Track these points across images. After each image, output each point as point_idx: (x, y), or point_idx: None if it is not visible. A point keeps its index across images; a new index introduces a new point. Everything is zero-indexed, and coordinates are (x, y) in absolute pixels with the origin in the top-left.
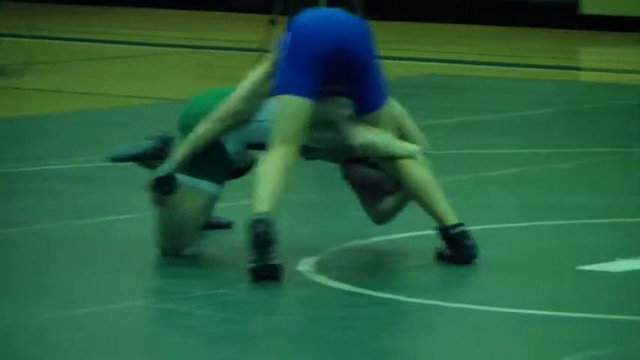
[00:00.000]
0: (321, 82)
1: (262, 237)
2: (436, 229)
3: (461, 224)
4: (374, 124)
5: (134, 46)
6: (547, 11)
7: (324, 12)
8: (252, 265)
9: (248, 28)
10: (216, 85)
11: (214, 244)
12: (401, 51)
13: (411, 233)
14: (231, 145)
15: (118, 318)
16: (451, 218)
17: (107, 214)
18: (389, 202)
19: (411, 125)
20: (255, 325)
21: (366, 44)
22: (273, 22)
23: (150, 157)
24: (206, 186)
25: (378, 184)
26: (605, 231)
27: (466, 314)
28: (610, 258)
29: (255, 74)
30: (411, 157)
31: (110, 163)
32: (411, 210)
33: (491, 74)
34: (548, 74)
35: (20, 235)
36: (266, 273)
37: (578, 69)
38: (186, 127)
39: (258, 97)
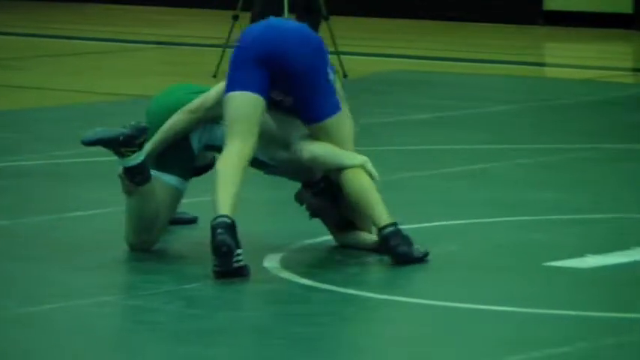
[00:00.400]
0: (269, 85)
1: (224, 245)
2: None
3: (390, 225)
4: (323, 135)
5: (101, 43)
6: (512, 7)
7: (273, 21)
8: (217, 269)
9: (212, 24)
10: (181, 81)
11: (180, 239)
12: (367, 47)
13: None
14: (195, 142)
15: (84, 314)
16: (382, 220)
17: (75, 209)
18: (350, 238)
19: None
20: (221, 320)
21: (308, 56)
22: (236, 18)
23: (121, 144)
24: (173, 180)
25: (320, 212)
26: (573, 227)
27: (430, 310)
28: (578, 254)
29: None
30: (359, 166)
31: (78, 159)
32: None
33: (457, 70)
34: (514, 70)
35: (25, 226)
36: (231, 275)
37: (543, 65)
38: (151, 123)
39: None
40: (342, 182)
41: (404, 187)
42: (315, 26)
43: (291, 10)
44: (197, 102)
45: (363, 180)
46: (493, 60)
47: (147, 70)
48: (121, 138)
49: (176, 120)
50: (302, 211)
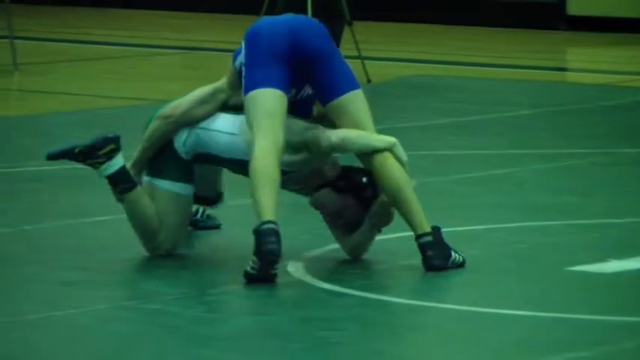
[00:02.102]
0: (288, 79)
1: (273, 255)
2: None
3: (427, 234)
4: (342, 113)
5: (123, 48)
6: (534, 12)
7: (274, 17)
8: (252, 272)
9: (234, 29)
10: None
11: (203, 245)
12: (390, 52)
13: (400, 234)
14: (180, 146)
15: (104, 318)
16: (419, 228)
17: (94, 214)
18: (356, 237)
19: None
20: (243, 325)
21: (319, 36)
22: None
23: (79, 155)
24: (167, 185)
25: (343, 210)
26: (593, 232)
27: (454, 315)
28: (601, 259)
29: (213, 84)
30: (388, 148)
31: None
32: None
33: (479, 75)
34: (535, 75)
35: (5, 236)
36: (261, 280)
37: (565, 70)
38: None
39: (210, 104)
40: (378, 171)
41: (425, 192)
42: (338, 32)
43: (314, 16)
44: (170, 107)
45: (397, 177)
46: (515, 65)
47: (169, 75)
48: (76, 150)
49: (153, 127)
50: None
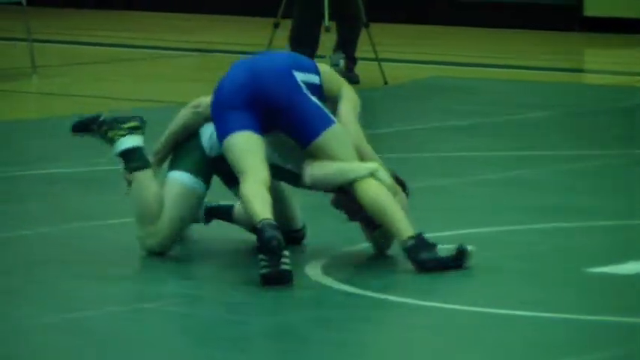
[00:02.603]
0: (259, 124)
1: (274, 239)
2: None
3: (410, 238)
4: (322, 152)
5: (136, 50)
6: (550, 14)
7: (243, 63)
8: (264, 271)
9: (250, 32)
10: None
11: (219, 244)
12: (407, 54)
13: None
14: (206, 141)
15: (123, 320)
16: (402, 235)
17: (111, 216)
18: (376, 235)
19: (366, 149)
20: (261, 326)
21: (286, 89)
22: (277, 26)
23: (102, 124)
24: (182, 176)
25: (360, 210)
26: (611, 233)
27: (471, 316)
28: (619, 260)
29: None
30: (369, 175)
31: (113, 167)
32: (417, 212)
33: (494, 77)
34: (552, 76)
35: (22, 239)
36: (278, 279)
37: (581, 71)
38: None
39: None
40: (356, 196)
41: (441, 194)
42: (355, 33)
43: (331, 18)
44: (200, 98)
45: (373, 193)
46: (531, 66)
47: (184, 77)
48: (102, 118)
49: (181, 115)
50: (342, 218)
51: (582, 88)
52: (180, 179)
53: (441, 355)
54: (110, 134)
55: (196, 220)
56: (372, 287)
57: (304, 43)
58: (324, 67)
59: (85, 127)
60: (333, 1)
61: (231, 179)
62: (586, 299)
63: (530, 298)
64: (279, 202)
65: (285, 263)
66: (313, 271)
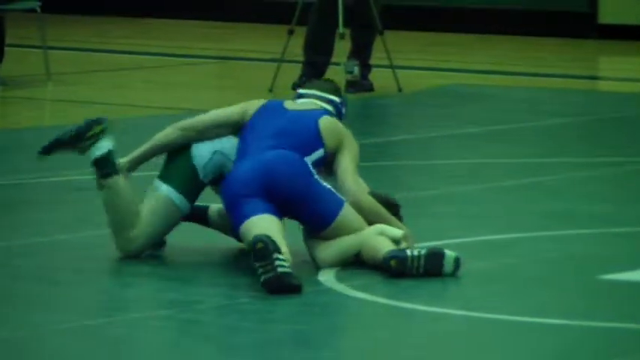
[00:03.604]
0: (276, 210)
1: (257, 244)
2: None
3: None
4: (337, 232)
5: (157, 57)
6: (565, 21)
7: (253, 155)
8: (262, 278)
9: (266, 39)
10: (235, 95)
11: (232, 252)
12: (421, 61)
13: (430, 243)
14: (199, 163)
15: (139, 327)
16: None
17: None
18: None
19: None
20: (274, 333)
21: (299, 179)
22: (291, 32)
23: (70, 140)
24: (171, 194)
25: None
26: (627, 240)
27: (483, 323)
28: (633, 267)
29: (231, 108)
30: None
31: (134, 174)
32: (434, 220)
33: (510, 83)
34: (568, 83)
35: (34, 246)
36: (278, 283)
37: (597, 78)
38: None
39: (224, 128)
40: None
41: (457, 200)
42: (369, 41)
43: (345, 25)
44: (189, 121)
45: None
46: (547, 74)
47: (203, 84)
48: (68, 135)
49: (165, 132)
50: None
51: (598, 96)
52: (169, 195)
53: None
54: (80, 146)
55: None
56: (386, 294)
57: (319, 50)
58: (324, 122)
59: (53, 148)
60: (348, 8)
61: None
62: (600, 306)
63: (545, 305)
64: None
65: (281, 266)
66: (326, 278)
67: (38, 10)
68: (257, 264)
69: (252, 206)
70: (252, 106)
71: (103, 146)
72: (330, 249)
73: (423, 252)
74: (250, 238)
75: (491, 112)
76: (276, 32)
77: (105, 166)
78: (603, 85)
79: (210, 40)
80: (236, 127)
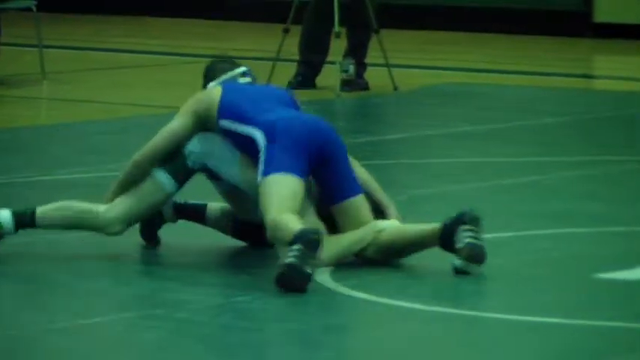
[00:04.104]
0: (307, 171)
1: (315, 242)
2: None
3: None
4: (352, 210)
5: (154, 56)
6: (560, 19)
7: (303, 115)
8: (290, 260)
9: (262, 37)
10: None
11: (224, 250)
12: (417, 60)
13: None
14: (187, 151)
15: (133, 327)
16: (435, 225)
17: None
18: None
19: (378, 191)
20: (270, 333)
21: (338, 140)
22: (287, 31)
23: None
24: (157, 173)
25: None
26: (622, 239)
27: (480, 322)
28: (628, 266)
29: (179, 122)
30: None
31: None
32: (430, 218)
33: (505, 82)
34: (563, 82)
35: (35, 244)
36: (297, 276)
37: (592, 77)
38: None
39: (186, 139)
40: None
41: (452, 199)
42: (365, 40)
43: (341, 24)
44: (146, 155)
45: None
46: (542, 72)
47: (200, 83)
48: None
49: (127, 175)
50: None
51: (594, 94)
52: (154, 174)
53: None
54: None
55: (165, 220)
56: (382, 293)
57: (314, 49)
58: (290, 92)
59: None
60: (344, 7)
61: (213, 176)
62: (597, 305)
63: (542, 304)
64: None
65: (312, 265)
66: (322, 277)
67: (34, 8)
68: (299, 246)
69: (293, 159)
70: (209, 97)
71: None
72: (328, 248)
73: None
74: (273, 196)
75: (486, 110)
76: (272, 31)
77: (21, 226)
78: (599, 84)
79: (207, 39)
80: (200, 129)
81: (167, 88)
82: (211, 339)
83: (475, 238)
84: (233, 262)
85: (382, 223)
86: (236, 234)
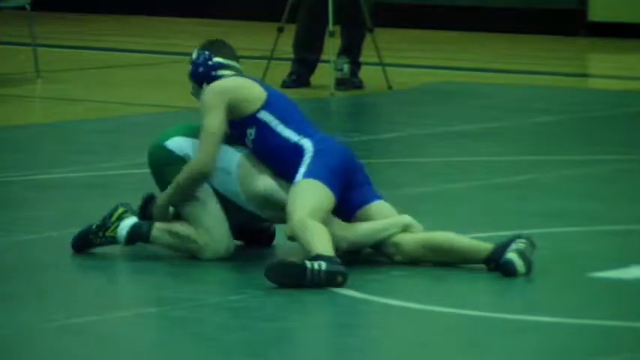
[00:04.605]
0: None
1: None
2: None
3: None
4: (376, 214)
5: (147, 55)
6: (555, 18)
7: (336, 147)
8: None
9: (256, 36)
10: None
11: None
12: (411, 59)
13: None
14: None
15: (129, 325)
16: (486, 246)
17: None
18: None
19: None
20: (267, 331)
21: (361, 165)
22: (281, 30)
23: (97, 230)
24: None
25: None
26: (617, 238)
27: (478, 321)
28: (623, 265)
29: (216, 124)
30: (405, 229)
31: (123, 171)
32: (423, 217)
33: (501, 81)
34: (557, 81)
35: (28, 243)
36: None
37: (587, 76)
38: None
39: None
40: (397, 252)
41: (448, 198)
42: (360, 38)
43: (335, 23)
44: (210, 163)
45: (437, 234)
46: (537, 71)
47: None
48: (93, 226)
49: (192, 186)
50: None
51: (588, 93)
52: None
53: (451, 359)
54: (109, 234)
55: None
56: (378, 292)
57: (309, 48)
58: None
59: (84, 242)
60: (338, 5)
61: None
62: (591, 304)
63: (536, 303)
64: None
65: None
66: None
67: (28, 7)
68: (321, 268)
69: (335, 178)
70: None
71: (127, 224)
72: (352, 230)
73: None
74: (311, 198)
75: (481, 109)
76: (266, 30)
77: (137, 239)
78: (593, 83)
79: (201, 38)
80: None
81: (160, 86)
82: (207, 337)
83: (520, 255)
84: (229, 260)
85: (408, 218)
86: (232, 234)
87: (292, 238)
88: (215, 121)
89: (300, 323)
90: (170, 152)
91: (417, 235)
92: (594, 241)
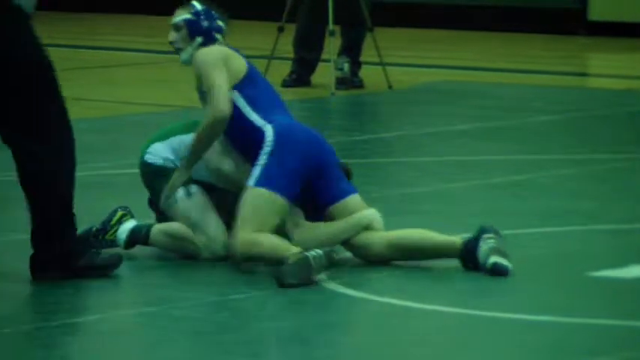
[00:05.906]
0: (297, 194)
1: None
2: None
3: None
4: (347, 210)
5: (145, 54)
6: (555, 17)
7: (308, 130)
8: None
9: (255, 35)
10: None
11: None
12: (411, 58)
13: None
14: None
15: (129, 324)
16: (457, 240)
17: None
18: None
19: None
20: (267, 331)
21: (331, 149)
22: (281, 30)
23: (97, 233)
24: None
25: None
26: (615, 237)
27: (472, 320)
28: (620, 264)
29: (221, 78)
30: (367, 228)
31: (121, 170)
32: (423, 216)
33: (500, 80)
34: (557, 80)
35: (24, 244)
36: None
37: (586, 75)
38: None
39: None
40: (364, 255)
41: (446, 198)
42: (359, 38)
43: (335, 22)
44: (227, 109)
45: (407, 232)
46: (536, 70)
47: (191, 81)
48: (93, 229)
49: (216, 133)
50: None
51: (587, 92)
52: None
53: (446, 358)
54: (108, 238)
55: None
56: (377, 291)
57: (309, 47)
58: None
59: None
60: (338, 5)
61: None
62: (587, 303)
63: (532, 302)
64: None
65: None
66: (317, 276)
67: None
68: (314, 255)
69: (284, 178)
70: (236, 60)
71: (127, 226)
72: (310, 231)
73: None
74: (255, 212)
75: (480, 109)
76: (267, 29)
77: (137, 241)
78: (593, 82)
79: None
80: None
81: (159, 85)
82: (206, 336)
83: (498, 254)
84: (227, 260)
85: (369, 216)
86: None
87: (246, 259)
88: (222, 76)
89: (299, 323)
90: (150, 165)
91: (385, 235)
92: (593, 240)
